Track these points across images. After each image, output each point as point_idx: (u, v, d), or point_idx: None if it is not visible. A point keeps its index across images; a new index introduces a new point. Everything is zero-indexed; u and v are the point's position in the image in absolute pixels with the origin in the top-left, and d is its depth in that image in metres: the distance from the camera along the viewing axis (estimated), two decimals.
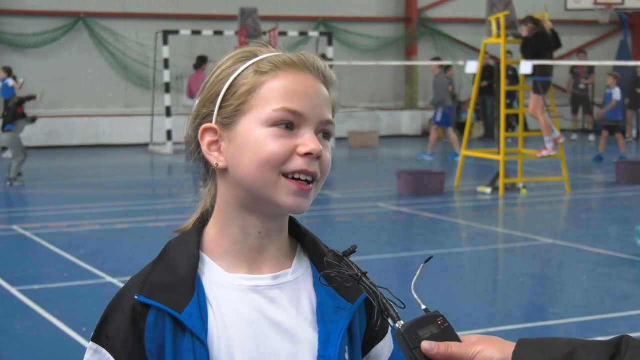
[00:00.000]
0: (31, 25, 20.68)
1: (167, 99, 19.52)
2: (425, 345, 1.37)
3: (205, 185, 1.61)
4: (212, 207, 1.57)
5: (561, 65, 20.04)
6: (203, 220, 1.58)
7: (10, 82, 17.92)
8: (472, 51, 23.31)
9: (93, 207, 11.79)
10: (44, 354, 5.87)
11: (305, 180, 1.48)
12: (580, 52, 23.13)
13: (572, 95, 22.85)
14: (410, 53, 24.01)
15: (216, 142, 1.52)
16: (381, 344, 1.64)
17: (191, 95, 18.17)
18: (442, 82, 17.87)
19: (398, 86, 24.22)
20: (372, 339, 1.63)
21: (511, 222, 11.29)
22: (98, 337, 1.51)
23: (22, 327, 6.38)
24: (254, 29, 17.85)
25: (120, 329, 1.49)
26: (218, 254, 1.54)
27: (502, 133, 13.17)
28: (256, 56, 1.53)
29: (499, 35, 13.16)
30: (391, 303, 1.42)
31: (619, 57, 23.33)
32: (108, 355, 1.49)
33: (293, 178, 1.47)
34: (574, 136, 22.50)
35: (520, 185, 13.27)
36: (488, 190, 12.91)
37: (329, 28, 22.76)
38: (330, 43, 21.15)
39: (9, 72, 18.15)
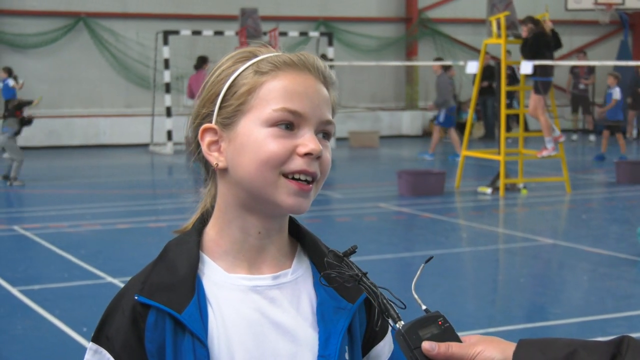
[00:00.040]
0: (31, 25, 20.68)
1: (168, 99, 19.52)
2: (426, 345, 1.37)
3: (205, 185, 1.61)
4: (212, 207, 1.57)
5: (561, 65, 20.04)
6: (203, 221, 1.58)
7: (11, 82, 17.94)
8: (473, 51, 23.31)
9: (93, 207, 11.79)
10: (44, 354, 5.87)
11: (305, 180, 1.48)
12: (580, 52, 23.14)
13: (571, 96, 22.85)
14: (410, 53, 24.01)
15: (216, 142, 1.52)
16: (381, 343, 1.64)
17: (192, 96, 18.18)
18: (444, 83, 17.87)
19: (398, 86, 24.22)
20: (372, 338, 1.63)
21: (512, 222, 11.29)
22: (98, 338, 1.51)
23: (23, 327, 6.38)
24: (255, 29, 17.85)
25: (120, 329, 1.49)
26: (218, 254, 1.54)
27: (503, 133, 13.16)
28: (256, 56, 1.53)
29: (499, 36, 13.16)
30: (391, 303, 1.41)
31: (620, 57, 23.32)
32: (108, 355, 1.49)
33: (293, 178, 1.47)
34: (575, 136, 22.50)
35: (521, 185, 13.27)
36: (488, 190, 12.91)
37: (330, 28, 22.76)
38: (330, 43, 21.15)
39: (9, 72, 18.17)
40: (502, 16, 13.05)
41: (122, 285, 1.93)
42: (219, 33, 19.92)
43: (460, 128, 19.51)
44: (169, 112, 19.42)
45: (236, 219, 1.53)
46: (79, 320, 6.46)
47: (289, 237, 1.60)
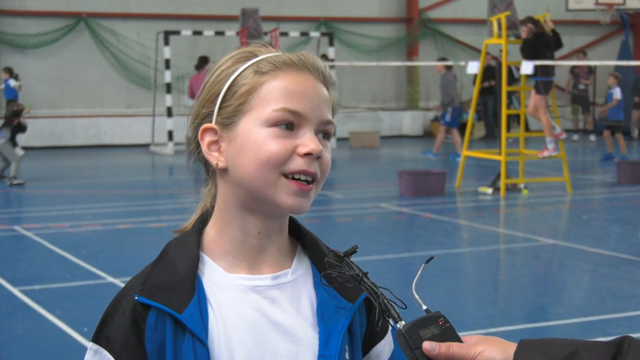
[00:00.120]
0: (32, 25, 20.69)
1: (169, 100, 19.52)
2: (427, 345, 1.37)
3: (205, 185, 1.61)
4: (212, 207, 1.57)
5: (562, 65, 20.04)
6: (203, 221, 1.58)
7: (12, 82, 17.94)
8: (473, 51, 23.31)
9: (94, 208, 11.79)
10: (45, 354, 5.87)
11: (305, 181, 1.48)
12: (580, 52, 23.13)
13: (571, 96, 22.84)
14: (411, 53, 24.01)
15: (216, 142, 1.52)
16: (381, 343, 1.64)
17: (192, 96, 18.17)
18: (449, 82, 17.86)
19: (399, 86, 24.22)
20: (372, 338, 1.63)
21: (512, 222, 11.29)
22: (98, 338, 1.51)
23: (24, 327, 6.38)
24: (255, 30, 17.86)
25: (120, 329, 1.49)
26: (218, 254, 1.54)
27: (504, 133, 13.16)
28: (256, 56, 1.53)
29: (500, 36, 13.15)
30: (392, 303, 1.41)
31: (620, 58, 23.31)
32: (108, 355, 1.49)
33: (293, 178, 1.47)
34: (575, 136, 22.49)
35: (522, 185, 13.27)
36: (489, 190, 12.91)
37: (331, 28, 22.76)
38: (331, 43, 21.16)
39: (10, 72, 18.17)
40: (503, 16, 13.04)
41: (122, 285, 1.93)
42: (219, 33, 19.92)
43: (461, 128, 19.51)
44: (169, 113, 19.42)
45: (236, 219, 1.53)
46: (80, 320, 6.46)
47: (289, 237, 1.60)
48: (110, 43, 21.28)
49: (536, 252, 9.09)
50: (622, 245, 9.29)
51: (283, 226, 1.57)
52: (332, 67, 15.39)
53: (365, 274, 1.44)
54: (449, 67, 18.28)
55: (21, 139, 15.49)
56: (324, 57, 17.72)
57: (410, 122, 23.79)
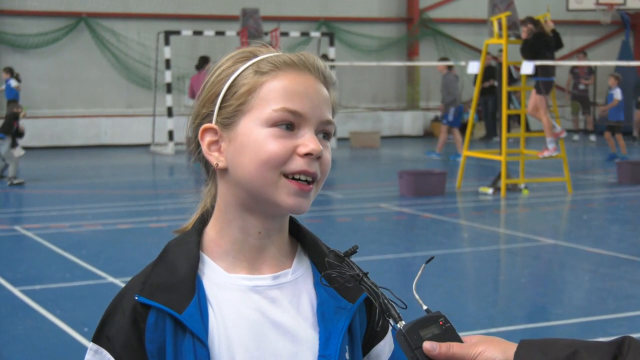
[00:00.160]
0: (32, 25, 20.69)
1: (169, 100, 19.52)
2: (427, 345, 1.37)
3: (205, 185, 1.61)
4: (212, 207, 1.57)
5: (562, 65, 20.03)
6: (203, 221, 1.58)
7: (13, 82, 17.94)
8: (474, 51, 23.31)
9: (95, 208, 11.79)
10: (45, 354, 5.87)
11: (306, 181, 1.47)
12: (580, 52, 23.13)
13: (571, 96, 22.84)
14: (412, 53, 24.01)
15: (216, 142, 1.52)
16: (381, 343, 1.64)
17: (193, 96, 18.16)
18: (451, 81, 17.86)
19: (400, 86, 24.22)
20: (372, 338, 1.63)
21: (513, 222, 11.29)
22: (98, 338, 1.51)
23: (24, 327, 6.38)
24: (256, 30, 17.86)
25: (120, 329, 1.49)
26: (218, 254, 1.54)
27: (504, 133, 13.16)
28: (256, 56, 1.53)
29: (500, 36, 13.15)
30: (392, 303, 1.41)
31: (621, 58, 23.30)
32: (108, 356, 1.49)
33: (293, 178, 1.47)
34: (576, 137, 22.49)
35: (522, 185, 13.27)
36: (490, 190, 12.90)
37: (331, 28, 22.76)
38: (332, 43, 21.15)
39: (11, 72, 18.17)
40: (503, 16, 13.04)
41: (123, 285, 1.93)
42: (220, 33, 19.92)
43: (462, 128, 19.51)
44: (170, 113, 19.42)
45: (236, 219, 1.53)
46: (80, 320, 6.46)
47: (289, 237, 1.60)
48: (110, 43, 21.28)
49: (536, 252, 9.09)
50: (622, 245, 9.29)
51: (283, 226, 1.57)
52: (332, 67, 15.39)
53: (366, 274, 1.44)
54: (450, 67, 18.28)
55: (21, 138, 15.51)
56: (324, 57, 17.71)
57: (410, 122, 23.78)
